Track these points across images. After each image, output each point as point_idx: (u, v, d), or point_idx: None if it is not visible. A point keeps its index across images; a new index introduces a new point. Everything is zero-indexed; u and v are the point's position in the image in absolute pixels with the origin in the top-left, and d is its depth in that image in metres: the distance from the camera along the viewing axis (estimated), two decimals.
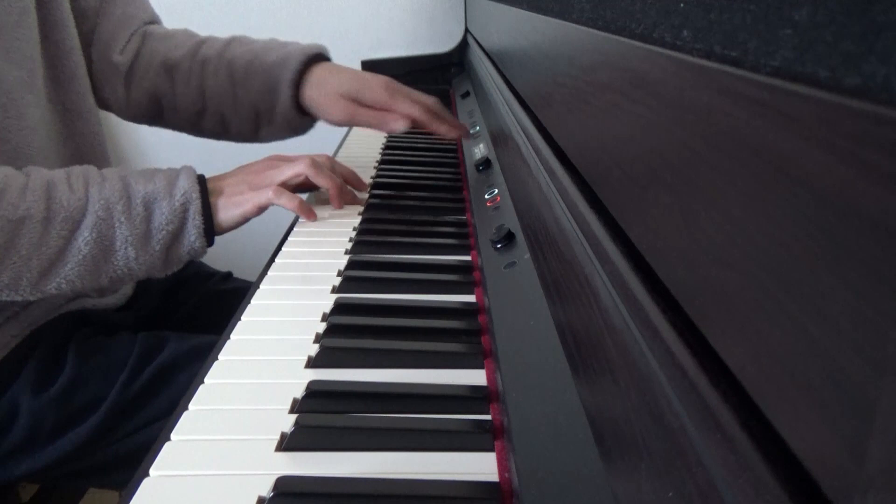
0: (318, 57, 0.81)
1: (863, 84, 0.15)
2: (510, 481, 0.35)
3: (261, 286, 0.58)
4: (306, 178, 0.70)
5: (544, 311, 0.45)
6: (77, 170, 0.61)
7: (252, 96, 0.81)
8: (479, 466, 0.37)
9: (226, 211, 0.65)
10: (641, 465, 0.27)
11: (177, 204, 0.61)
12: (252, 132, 0.85)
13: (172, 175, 0.63)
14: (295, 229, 0.70)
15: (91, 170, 0.62)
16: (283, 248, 0.66)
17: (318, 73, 0.80)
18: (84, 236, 0.58)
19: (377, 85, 0.79)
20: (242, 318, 0.53)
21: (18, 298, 0.58)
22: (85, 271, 0.59)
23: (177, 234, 0.62)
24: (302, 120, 0.82)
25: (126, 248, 0.60)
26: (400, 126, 0.78)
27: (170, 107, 0.84)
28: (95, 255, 0.59)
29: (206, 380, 0.45)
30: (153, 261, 0.62)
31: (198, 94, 0.82)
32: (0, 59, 0.63)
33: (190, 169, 0.64)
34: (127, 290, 0.82)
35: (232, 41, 0.84)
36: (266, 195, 0.65)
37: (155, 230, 0.61)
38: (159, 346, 0.69)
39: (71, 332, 0.70)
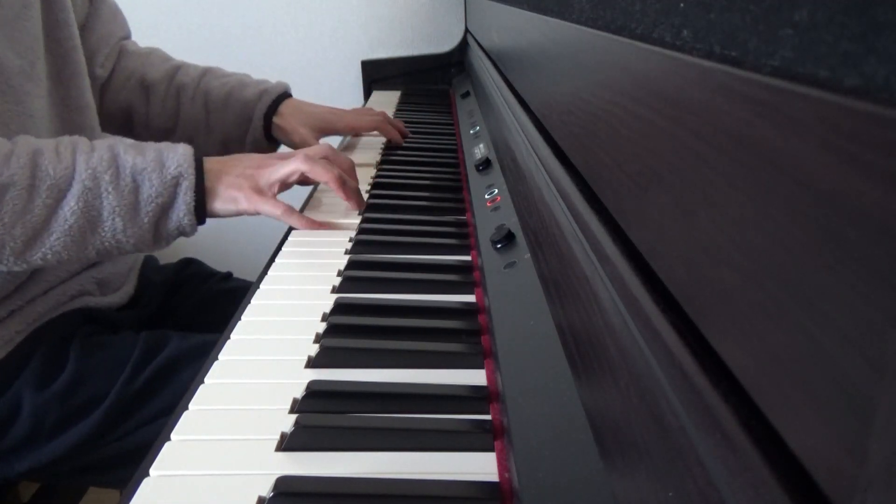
0: (286, 94, 0.95)
1: (863, 84, 0.15)
2: (510, 481, 0.35)
3: (261, 286, 0.58)
4: (303, 174, 0.69)
5: (544, 311, 0.45)
6: (66, 139, 0.61)
7: (226, 126, 0.91)
8: (479, 466, 0.37)
9: (223, 203, 0.65)
10: (641, 465, 0.27)
11: (168, 177, 0.61)
12: (217, 153, 0.83)
13: (167, 149, 0.63)
14: (295, 229, 0.70)
15: (81, 139, 0.62)
16: (283, 248, 0.66)
17: (285, 107, 0.93)
18: (70, 206, 0.57)
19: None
20: (242, 318, 0.53)
21: (3, 269, 0.58)
22: (71, 241, 0.58)
23: (166, 208, 0.62)
24: (269, 145, 0.94)
25: (113, 220, 0.59)
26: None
27: (141, 123, 0.91)
28: (82, 226, 0.58)
29: (206, 380, 0.45)
30: (142, 234, 0.61)
31: (171, 117, 0.90)
32: (3, 47, 0.64)
33: (188, 147, 0.64)
34: (129, 288, 0.82)
35: (207, 72, 0.93)
36: (267, 207, 0.66)
37: (143, 202, 0.60)
38: (161, 344, 0.69)
39: (74, 329, 0.70)
